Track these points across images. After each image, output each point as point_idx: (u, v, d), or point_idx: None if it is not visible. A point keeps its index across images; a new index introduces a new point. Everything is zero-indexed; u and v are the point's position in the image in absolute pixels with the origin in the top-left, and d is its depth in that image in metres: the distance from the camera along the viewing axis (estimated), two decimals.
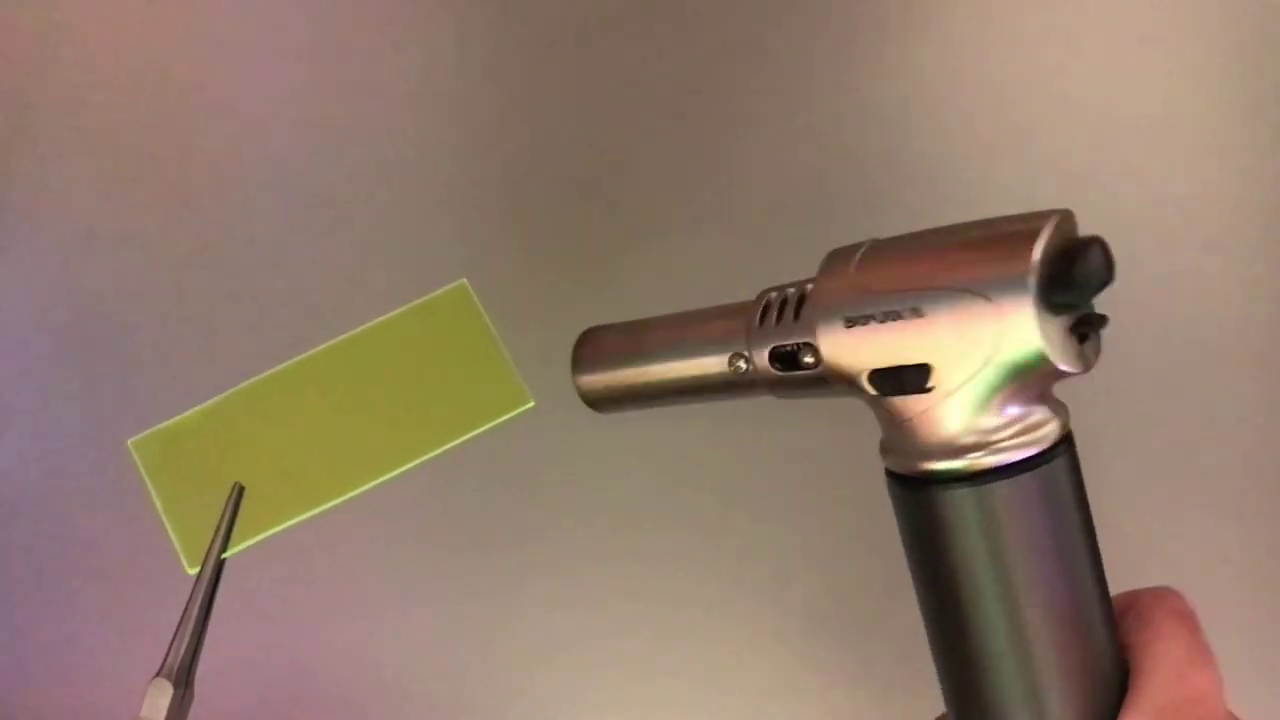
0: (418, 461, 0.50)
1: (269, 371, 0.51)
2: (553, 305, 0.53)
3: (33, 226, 0.55)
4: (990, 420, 0.37)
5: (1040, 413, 0.38)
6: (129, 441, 0.50)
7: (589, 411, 0.52)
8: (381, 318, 0.52)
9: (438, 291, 0.53)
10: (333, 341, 0.52)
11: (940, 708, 0.42)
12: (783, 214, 0.56)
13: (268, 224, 0.54)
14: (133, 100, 0.56)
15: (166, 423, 0.50)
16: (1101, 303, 0.54)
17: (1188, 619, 0.39)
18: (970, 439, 0.37)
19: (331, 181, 0.55)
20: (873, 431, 0.43)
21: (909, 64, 0.57)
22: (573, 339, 0.53)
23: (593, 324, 0.53)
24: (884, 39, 0.57)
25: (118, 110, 0.56)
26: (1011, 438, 0.37)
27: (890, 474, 0.40)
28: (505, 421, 0.51)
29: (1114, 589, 0.50)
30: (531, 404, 0.52)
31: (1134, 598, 0.40)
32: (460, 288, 0.53)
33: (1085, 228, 0.55)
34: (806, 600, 0.53)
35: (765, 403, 0.55)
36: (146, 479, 0.49)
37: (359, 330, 0.52)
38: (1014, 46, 0.57)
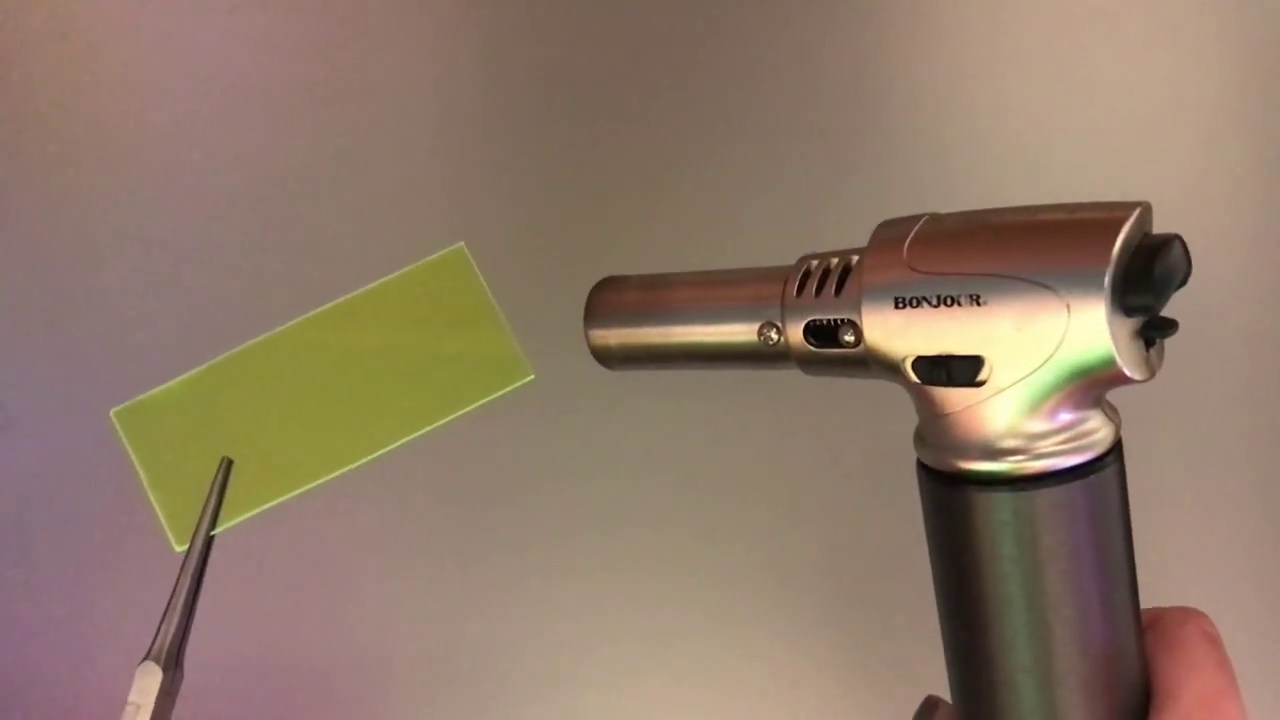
0: (413, 436, 0.48)
1: (259, 338, 0.49)
2: (555, 274, 0.51)
3: (13, 193, 0.52)
4: (1040, 423, 0.35)
5: (1094, 418, 0.35)
6: (112, 411, 0.48)
7: (591, 387, 0.51)
8: (375, 282, 0.50)
9: (434, 256, 0.50)
10: (324, 307, 0.49)
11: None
12: (800, 183, 0.53)
13: (257, 185, 0.52)
14: (120, 71, 0.53)
15: (152, 391, 0.48)
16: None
17: (1216, 644, 0.37)
18: (1015, 441, 0.35)
19: (324, 139, 0.52)
20: (896, 419, 0.41)
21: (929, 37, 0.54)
22: (575, 310, 0.51)
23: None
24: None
25: (108, 86, 0.53)
26: (1061, 443, 0.35)
27: (923, 467, 0.38)
28: (504, 395, 0.49)
29: None
30: (531, 377, 0.50)
31: (1158, 615, 0.39)
32: (458, 252, 0.50)
33: None
34: (810, 592, 0.52)
35: (778, 383, 0.54)
36: (130, 451, 0.47)
37: (352, 295, 0.50)
38: (1019, 43, 0.55)
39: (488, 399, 0.49)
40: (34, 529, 0.48)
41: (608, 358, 0.47)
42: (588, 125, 0.53)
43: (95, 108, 0.52)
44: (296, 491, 0.47)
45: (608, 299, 0.47)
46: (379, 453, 0.48)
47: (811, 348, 0.39)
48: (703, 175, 0.53)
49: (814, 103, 0.53)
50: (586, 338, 0.47)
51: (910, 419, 0.38)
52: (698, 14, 0.54)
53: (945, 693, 0.40)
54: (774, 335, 0.40)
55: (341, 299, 0.50)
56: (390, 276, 0.50)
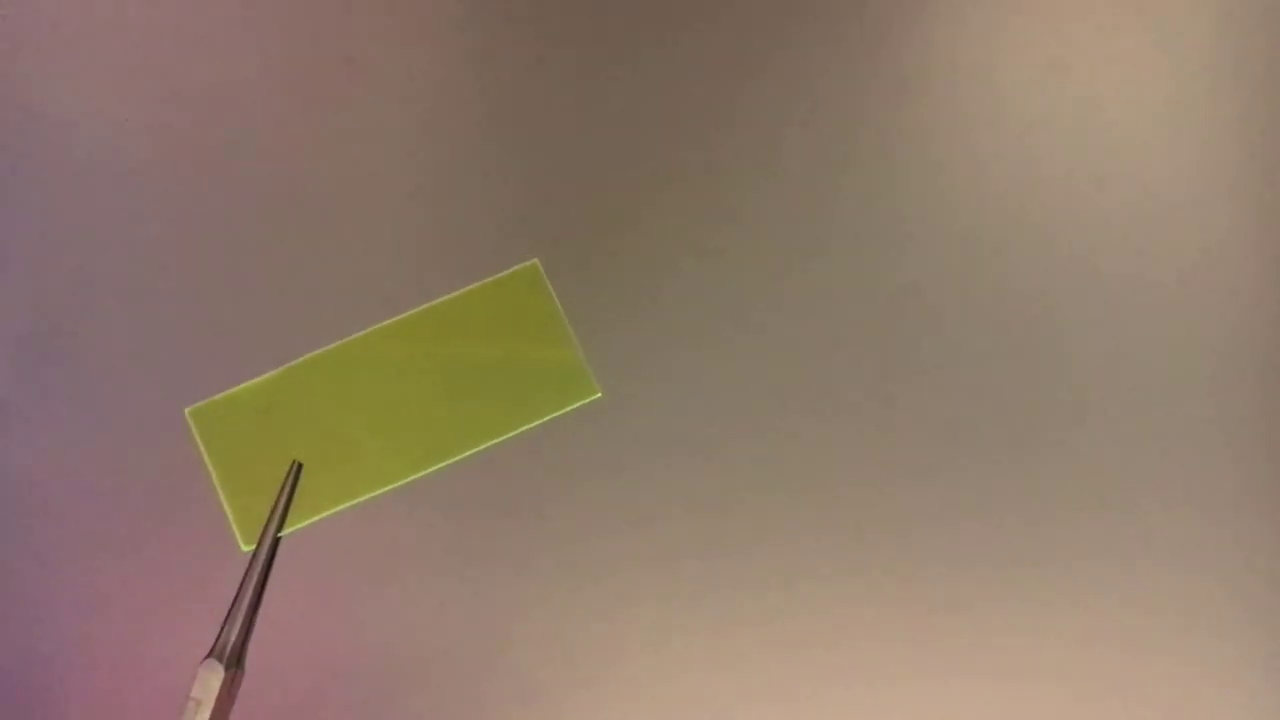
0: (480, 448, 0.49)
1: (333, 344, 0.49)
2: (626, 294, 0.51)
3: (95, 187, 0.53)
4: None
5: None
6: (186, 410, 0.49)
7: (658, 407, 0.50)
8: (450, 295, 0.50)
9: (508, 271, 0.51)
10: (398, 317, 0.50)
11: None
12: (884, 200, 0.53)
13: (336, 193, 0.53)
14: (209, 76, 0.54)
15: (226, 392, 0.49)
16: (1104, 304, 0.53)
17: None
18: None
19: (402, 150, 0.53)
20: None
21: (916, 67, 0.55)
22: (646, 331, 0.51)
23: (667, 316, 0.51)
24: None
25: (182, 85, 0.54)
26: None
27: None
28: (571, 411, 0.50)
29: (1113, 594, 0.48)
30: (599, 394, 0.50)
31: None
32: (532, 268, 0.51)
33: (1086, 228, 0.53)
34: (856, 617, 0.51)
35: (841, 409, 0.54)
36: (203, 450, 0.48)
37: (425, 307, 0.50)
38: (1016, 46, 0.55)
39: (555, 414, 0.49)
40: (103, 523, 0.49)
41: None
42: (667, 148, 0.53)
43: (167, 108, 0.54)
44: (364, 497, 0.48)
45: None
46: (446, 462, 0.48)
47: None
48: (777, 205, 0.53)
49: (873, 111, 0.54)
50: None
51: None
52: (788, 41, 0.54)
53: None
54: None
55: (415, 310, 0.50)
56: (464, 290, 0.50)
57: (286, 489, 0.47)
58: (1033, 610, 0.50)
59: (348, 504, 0.47)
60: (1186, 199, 0.54)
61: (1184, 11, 0.56)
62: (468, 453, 0.49)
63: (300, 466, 0.47)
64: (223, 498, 0.47)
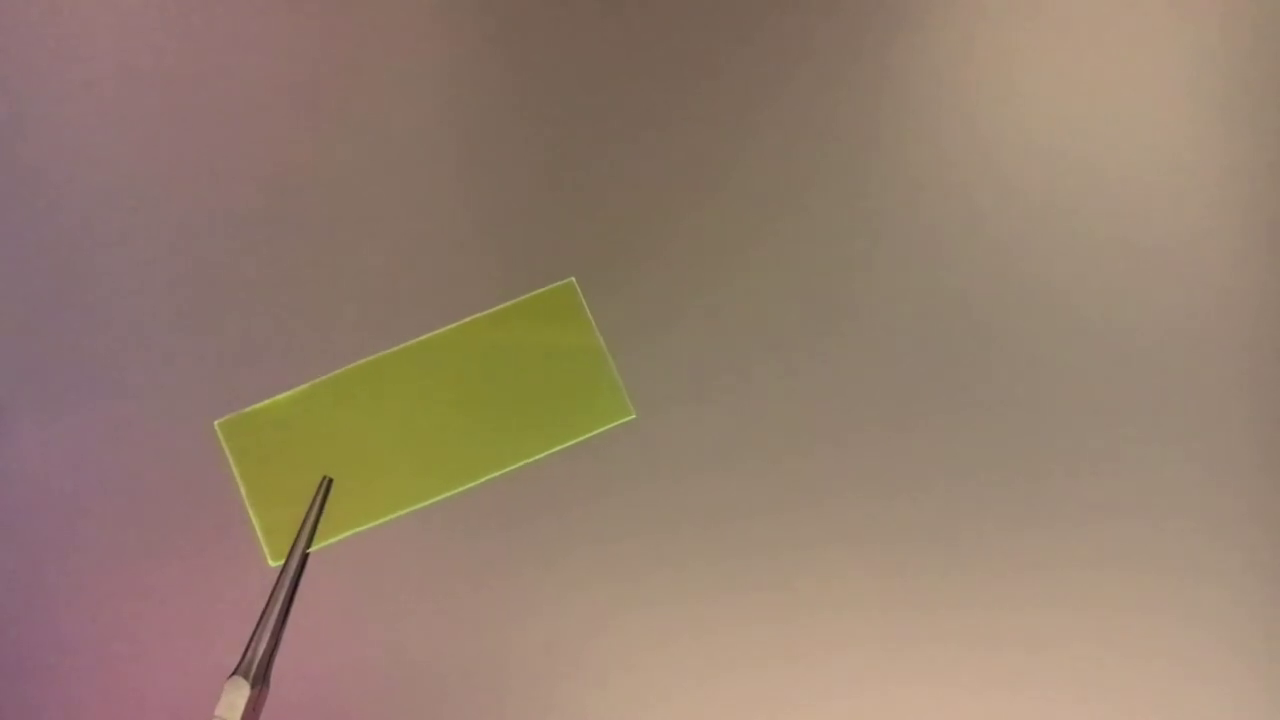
0: (512, 468, 0.48)
1: (365, 359, 0.49)
2: (662, 315, 0.51)
3: (137, 202, 0.53)
4: None
5: None
6: (216, 422, 0.48)
7: (692, 429, 0.50)
8: (485, 311, 0.50)
9: (544, 288, 0.50)
10: (433, 333, 0.49)
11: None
12: (893, 220, 0.53)
13: (372, 208, 0.52)
14: (248, 73, 0.54)
15: (256, 405, 0.48)
16: (1102, 301, 0.53)
17: None
18: None
19: (439, 167, 0.53)
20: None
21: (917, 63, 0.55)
22: (682, 354, 0.50)
23: (701, 337, 0.51)
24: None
25: (248, 98, 0.54)
26: None
27: None
28: (604, 432, 0.49)
29: (1113, 592, 0.48)
30: (632, 416, 0.49)
31: None
32: (568, 286, 0.50)
33: (1084, 225, 0.53)
34: (880, 645, 0.50)
35: (869, 440, 0.53)
36: (232, 463, 0.47)
37: (460, 323, 0.50)
38: (1013, 46, 0.55)
39: (588, 435, 0.49)
40: (130, 535, 0.48)
41: None
42: (706, 170, 0.53)
43: (199, 122, 0.53)
44: (394, 515, 0.47)
45: None
46: (478, 482, 0.48)
47: None
48: (814, 226, 0.52)
49: (895, 130, 0.53)
50: None
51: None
52: (816, 59, 0.54)
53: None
54: None
55: (450, 326, 0.50)
56: (500, 306, 0.50)
57: (317, 504, 0.46)
58: (1037, 615, 0.50)
59: (377, 522, 0.47)
60: (1183, 194, 0.54)
61: (1168, 31, 0.56)
62: (500, 472, 0.48)
63: (331, 482, 0.47)
64: (251, 512, 0.47)
